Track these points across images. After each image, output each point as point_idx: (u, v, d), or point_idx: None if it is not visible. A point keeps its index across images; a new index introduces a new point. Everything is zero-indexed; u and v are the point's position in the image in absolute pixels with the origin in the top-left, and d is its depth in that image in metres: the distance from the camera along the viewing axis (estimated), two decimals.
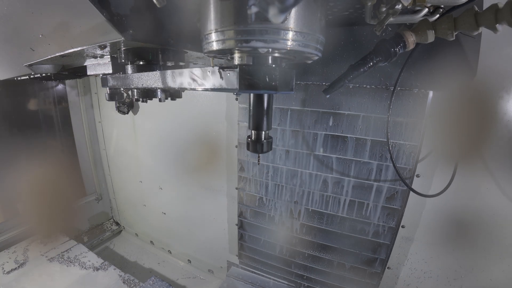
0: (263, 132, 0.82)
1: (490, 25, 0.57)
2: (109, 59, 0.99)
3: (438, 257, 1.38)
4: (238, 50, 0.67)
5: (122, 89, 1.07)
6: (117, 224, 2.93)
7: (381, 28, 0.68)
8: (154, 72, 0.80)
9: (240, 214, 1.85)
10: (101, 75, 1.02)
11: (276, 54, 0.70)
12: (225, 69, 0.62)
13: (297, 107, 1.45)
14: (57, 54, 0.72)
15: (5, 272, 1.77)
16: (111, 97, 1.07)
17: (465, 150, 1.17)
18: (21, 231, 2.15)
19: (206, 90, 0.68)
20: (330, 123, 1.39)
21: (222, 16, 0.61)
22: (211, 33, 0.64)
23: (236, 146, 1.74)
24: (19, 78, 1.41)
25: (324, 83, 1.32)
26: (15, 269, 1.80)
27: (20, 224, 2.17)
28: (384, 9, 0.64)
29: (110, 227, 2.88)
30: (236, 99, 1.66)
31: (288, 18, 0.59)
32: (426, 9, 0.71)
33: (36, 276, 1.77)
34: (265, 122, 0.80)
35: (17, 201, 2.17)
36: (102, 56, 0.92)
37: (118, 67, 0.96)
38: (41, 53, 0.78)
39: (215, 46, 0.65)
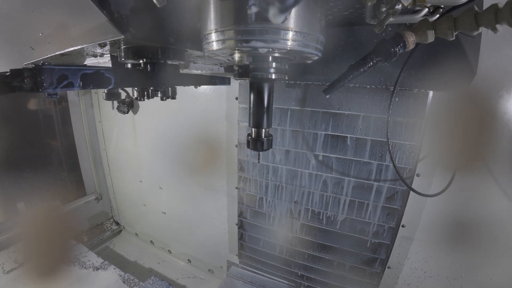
0: (263, 130, 0.82)
1: (490, 25, 0.57)
2: (109, 58, 0.99)
3: (439, 256, 1.38)
4: (238, 50, 0.67)
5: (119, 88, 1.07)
6: (117, 223, 2.93)
7: (381, 28, 0.68)
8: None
9: (240, 214, 1.85)
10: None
11: (276, 54, 0.70)
12: None
13: (297, 107, 1.45)
14: (57, 53, 0.72)
15: (5, 271, 1.77)
16: (108, 97, 1.07)
17: (465, 150, 1.17)
18: (21, 231, 2.15)
19: None
20: (330, 123, 1.39)
21: (222, 16, 0.61)
22: (211, 33, 0.64)
23: (236, 146, 1.74)
24: None
25: (324, 83, 1.32)
26: (15, 268, 1.80)
27: (20, 224, 2.17)
28: (384, 9, 0.64)
29: (110, 226, 2.88)
30: (236, 98, 1.66)
31: (288, 18, 0.59)
32: (426, 9, 0.71)
33: (36, 276, 1.76)
34: (265, 120, 0.81)
35: (17, 201, 2.17)
36: (102, 55, 0.92)
37: (118, 66, 0.97)
38: (41, 52, 0.78)
39: (215, 46, 0.65)
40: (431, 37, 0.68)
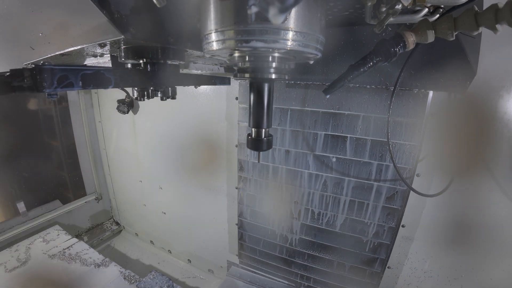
0: (263, 130, 0.82)
1: (490, 25, 0.57)
2: (109, 58, 0.99)
3: (439, 256, 1.38)
4: (238, 50, 0.67)
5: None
6: (117, 223, 2.93)
7: (381, 28, 0.68)
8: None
9: (240, 214, 1.85)
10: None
11: (276, 54, 0.70)
12: None
13: (297, 107, 1.45)
14: (57, 53, 0.72)
15: (8, 270, 1.77)
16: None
17: (465, 150, 1.17)
18: (23, 230, 2.16)
19: None
20: (330, 123, 1.39)
21: (222, 16, 0.61)
22: (211, 33, 0.64)
23: (236, 146, 1.74)
24: None
25: (324, 83, 1.32)
26: (18, 267, 1.81)
27: (22, 223, 2.18)
28: (384, 9, 0.64)
29: (110, 226, 2.88)
30: (236, 98, 1.66)
31: (288, 18, 0.59)
32: (426, 9, 0.71)
33: (38, 274, 1.77)
34: (265, 120, 0.80)
35: (17, 200, 2.17)
36: (102, 55, 0.92)
37: (118, 66, 0.96)
38: (41, 52, 0.77)
39: (215, 46, 0.65)
40: (431, 37, 0.68)
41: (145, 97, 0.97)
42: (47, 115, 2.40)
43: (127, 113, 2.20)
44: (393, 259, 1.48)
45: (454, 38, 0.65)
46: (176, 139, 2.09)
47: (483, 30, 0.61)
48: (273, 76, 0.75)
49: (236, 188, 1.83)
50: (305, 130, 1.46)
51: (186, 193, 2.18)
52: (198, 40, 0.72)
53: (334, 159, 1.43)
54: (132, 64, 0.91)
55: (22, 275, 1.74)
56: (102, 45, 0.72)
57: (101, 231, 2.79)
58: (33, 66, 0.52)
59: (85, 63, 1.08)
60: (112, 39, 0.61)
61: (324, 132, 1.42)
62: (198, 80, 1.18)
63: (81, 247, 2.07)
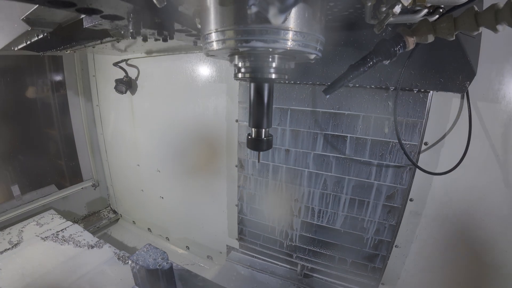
0: (263, 130, 0.82)
1: (490, 25, 0.57)
2: None
3: (447, 233, 1.33)
4: (238, 49, 0.67)
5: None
6: (115, 212, 2.90)
7: (381, 28, 0.68)
8: None
9: (240, 197, 1.81)
10: None
11: (276, 54, 0.70)
12: None
13: (297, 107, 1.45)
14: None
15: None
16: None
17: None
18: (17, 214, 2.14)
19: None
20: (330, 123, 1.39)
21: (222, 16, 0.61)
22: (211, 33, 0.64)
23: (237, 121, 1.71)
24: (16, 48, 1.38)
25: (324, 83, 1.32)
26: (9, 249, 1.79)
27: (16, 207, 2.16)
28: (384, 9, 0.64)
29: (107, 215, 2.85)
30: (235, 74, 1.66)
31: (288, 18, 0.59)
32: (426, 9, 0.71)
33: (29, 255, 1.75)
34: (265, 120, 0.80)
35: (11, 184, 2.15)
36: None
37: None
38: None
39: (215, 46, 0.65)
40: (431, 37, 0.68)
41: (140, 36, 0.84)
42: (45, 102, 2.38)
43: (125, 92, 2.17)
44: (401, 237, 1.44)
45: (454, 38, 0.65)
46: (175, 120, 2.04)
47: (483, 30, 0.61)
48: (273, 76, 0.75)
49: (236, 166, 1.79)
50: (305, 130, 1.46)
51: (185, 175, 2.13)
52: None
53: (334, 159, 1.43)
54: None
55: (13, 257, 1.72)
56: None
57: (98, 219, 2.75)
58: None
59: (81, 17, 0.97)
60: None
61: (324, 132, 1.42)
62: None
63: (75, 229, 2.03)
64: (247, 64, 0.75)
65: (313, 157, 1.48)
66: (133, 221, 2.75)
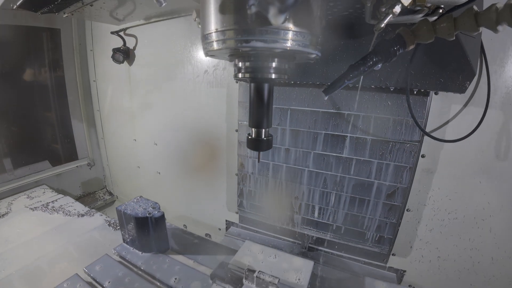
0: (263, 130, 0.82)
1: (490, 25, 0.57)
2: None
3: (464, 192, 1.26)
4: (238, 49, 0.67)
5: None
6: (110, 194, 2.84)
7: (381, 28, 0.68)
8: None
9: (240, 165, 1.75)
10: None
11: (276, 54, 0.70)
12: None
13: (297, 107, 1.45)
14: None
15: None
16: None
17: None
18: (8, 189, 2.09)
19: None
20: (330, 123, 1.39)
21: (223, 16, 0.61)
22: (211, 33, 0.64)
23: (237, 82, 1.66)
24: (14, 6, 1.34)
25: (324, 83, 1.32)
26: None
27: (8, 181, 2.10)
28: (384, 9, 0.64)
29: (102, 196, 2.78)
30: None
31: (287, 18, 0.59)
32: (426, 9, 0.71)
33: (15, 224, 1.71)
34: (265, 120, 0.80)
35: (3, 157, 2.09)
36: None
37: None
38: None
39: (215, 46, 0.65)
40: (431, 37, 0.68)
41: None
42: (42, 76, 2.30)
43: (123, 62, 2.10)
44: (412, 198, 1.35)
45: (454, 38, 0.65)
46: (173, 89, 1.97)
47: (483, 30, 0.61)
48: (273, 76, 0.75)
49: (236, 130, 1.75)
50: (305, 130, 1.46)
51: (182, 146, 2.07)
52: None
53: (334, 158, 1.43)
54: None
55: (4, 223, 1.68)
56: None
57: (93, 200, 2.68)
58: None
59: None
60: None
61: (324, 132, 1.42)
62: None
63: (66, 201, 1.97)
64: (247, 64, 0.75)
65: (313, 156, 1.48)
66: None
